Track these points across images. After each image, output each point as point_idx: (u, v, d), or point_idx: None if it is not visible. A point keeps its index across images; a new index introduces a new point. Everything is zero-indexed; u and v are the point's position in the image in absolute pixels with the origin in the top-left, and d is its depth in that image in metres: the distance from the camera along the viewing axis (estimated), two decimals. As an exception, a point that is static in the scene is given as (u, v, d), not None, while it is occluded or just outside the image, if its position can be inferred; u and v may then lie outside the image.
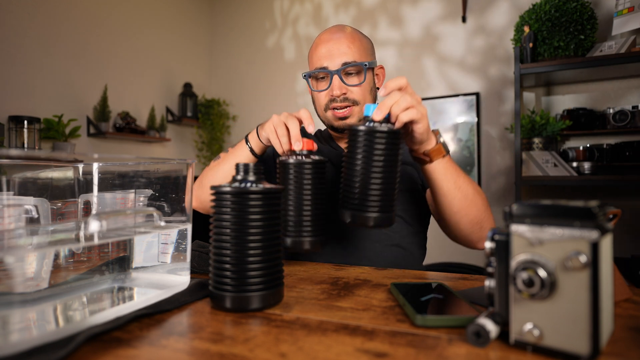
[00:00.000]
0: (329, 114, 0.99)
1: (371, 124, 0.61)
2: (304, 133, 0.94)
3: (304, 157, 0.66)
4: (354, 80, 0.96)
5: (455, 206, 0.79)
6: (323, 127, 1.16)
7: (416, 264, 0.97)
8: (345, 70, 0.95)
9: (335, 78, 0.94)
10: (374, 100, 1.03)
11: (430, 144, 0.74)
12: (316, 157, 0.67)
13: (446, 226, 0.86)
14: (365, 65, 0.94)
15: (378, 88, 1.05)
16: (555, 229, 0.36)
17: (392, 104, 0.64)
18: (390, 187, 0.61)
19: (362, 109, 0.98)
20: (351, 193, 0.61)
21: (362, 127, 0.61)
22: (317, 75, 0.98)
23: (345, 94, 0.95)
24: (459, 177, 0.78)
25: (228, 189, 0.50)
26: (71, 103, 2.53)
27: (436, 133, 0.75)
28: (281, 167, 0.67)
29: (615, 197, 2.20)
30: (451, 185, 0.77)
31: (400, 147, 0.63)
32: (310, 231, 0.64)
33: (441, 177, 0.76)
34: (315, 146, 0.70)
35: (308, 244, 0.64)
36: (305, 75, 1.01)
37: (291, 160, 0.65)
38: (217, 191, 0.51)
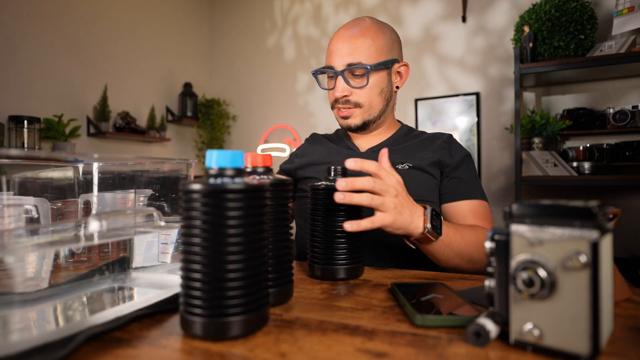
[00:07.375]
0: (335, 112, 1.00)
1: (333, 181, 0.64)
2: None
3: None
4: (359, 81, 0.93)
5: (451, 265, 0.79)
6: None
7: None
8: (351, 71, 0.93)
9: (339, 79, 0.93)
10: (386, 101, 0.98)
11: (416, 232, 0.67)
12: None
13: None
14: (368, 68, 0.90)
15: (398, 87, 1.00)
16: (555, 229, 0.36)
17: (360, 197, 0.59)
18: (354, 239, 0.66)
19: (368, 110, 0.97)
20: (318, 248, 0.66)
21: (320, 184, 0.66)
22: (327, 72, 0.98)
23: (347, 96, 0.94)
24: (455, 246, 0.75)
25: (198, 187, 0.39)
26: (71, 103, 2.53)
27: (425, 219, 0.67)
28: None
29: (615, 197, 2.20)
30: (444, 257, 0.76)
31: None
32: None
33: (433, 253, 0.75)
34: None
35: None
36: (313, 73, 1.00)
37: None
38: (186, 190, 0.40)
